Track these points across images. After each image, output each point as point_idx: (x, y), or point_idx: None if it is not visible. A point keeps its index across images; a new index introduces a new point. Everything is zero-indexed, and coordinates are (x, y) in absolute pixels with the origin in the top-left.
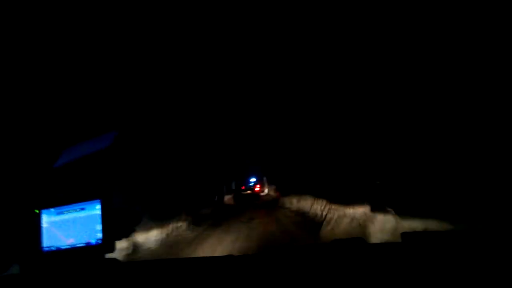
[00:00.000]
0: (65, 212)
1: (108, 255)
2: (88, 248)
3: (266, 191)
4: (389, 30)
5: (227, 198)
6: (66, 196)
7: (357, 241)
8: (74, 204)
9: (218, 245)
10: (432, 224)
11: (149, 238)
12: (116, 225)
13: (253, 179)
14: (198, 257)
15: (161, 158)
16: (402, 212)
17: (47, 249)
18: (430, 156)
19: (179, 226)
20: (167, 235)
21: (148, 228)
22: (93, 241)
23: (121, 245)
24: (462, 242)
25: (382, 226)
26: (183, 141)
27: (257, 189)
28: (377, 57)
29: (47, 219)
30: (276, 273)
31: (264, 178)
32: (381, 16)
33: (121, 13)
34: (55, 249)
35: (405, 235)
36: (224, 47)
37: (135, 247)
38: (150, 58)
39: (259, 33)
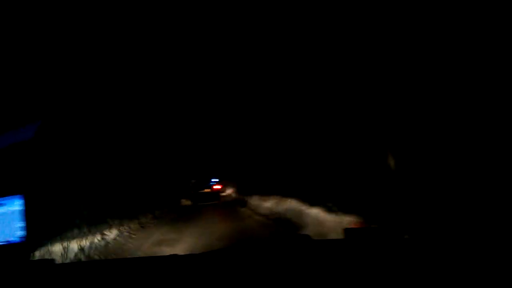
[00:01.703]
0: None
1: (40, 256)
2: (9, 246)
3: (227, 191)
4: (376, 30)
5: (185, 199)
6: None
7: (302, 237)
8: None
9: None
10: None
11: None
12: (42, 223)
13: (213, 180)
14: (140, 257)
15: (98, 152)
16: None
17: None
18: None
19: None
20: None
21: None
22: (13, 239)
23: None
24: (399, 237)
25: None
26: (127, 136)
27: (217, 187)
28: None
29: None
30: (219, 271)
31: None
32: (379, 16)
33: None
34: None
35: (347, 231)
36: (175, 44)
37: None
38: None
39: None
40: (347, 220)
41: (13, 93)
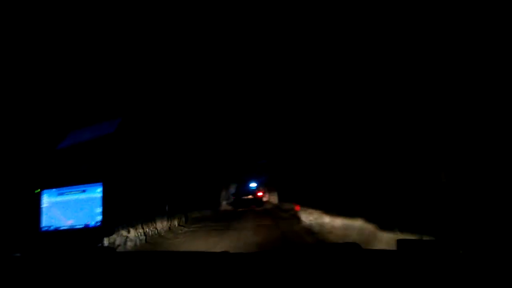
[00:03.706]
0: (66, 193)
1: (106, 243)
2: (86, 230)
3: (267, 196)
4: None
5: (225, 203)
6: (68, 178)
7: (351, 246)
8: (76, 186)
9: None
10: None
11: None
12: (116, 211)
13: (254, 184)
14: (193, 252)
15: (161, 154)
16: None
17: (45, 228)
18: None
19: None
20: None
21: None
22: (92, 224)
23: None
24: (454, 251)
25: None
26: (185, 140)
27: (259, 194)
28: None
29: (48, 199)
30: (268, 273)
31: (263, 184)
32: (381, 16)
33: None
34: (54, 229)
35: (400, 242)
36: (227, 51)
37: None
38: (157, 54)
39: (254, 36)
40: None
41: (99, 92)
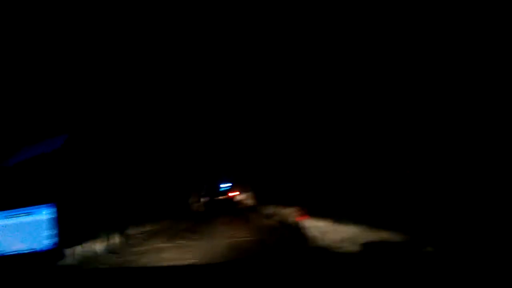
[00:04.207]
0: (11, 216)
1: (63, 263)
2: (36, 254)
3: (242, 197)
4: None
5: (196, 204)
6: (13, 200)
7: (319, 250)
8: (21, 208)
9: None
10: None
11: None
12: (67, 232)
13: (227, 184)
14: (162, 266)
15: (117, 161)
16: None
17: None
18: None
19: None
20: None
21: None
22: (39, 247)
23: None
24: (418, 253)
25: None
26: (145, 143)
27: (233, 194)
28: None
29: None
30: (238, 281)
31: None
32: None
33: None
34: (0, 254)
35: (365, 245)
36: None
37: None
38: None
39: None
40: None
41: (42, 105)
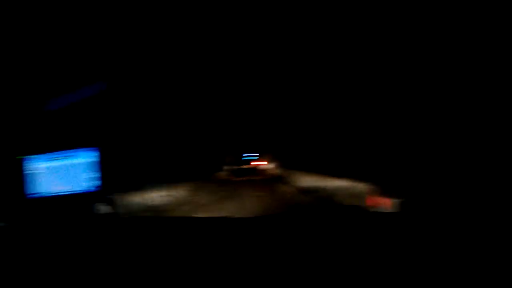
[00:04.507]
0: (54, 158)
1: (106, 210)
2: (76, 196)
3: (268, 167)
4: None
5: (223, 172)
6: (56, 143)
7: (355, 208)
8: (63, 152)
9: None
10: None
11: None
12: (109, 177)
13: (253, 155)
14: (194, 217)
15: (155, 120)
16: None
17: (32, 196)
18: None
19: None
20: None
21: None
22: (80, 189)
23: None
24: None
25: None
26: (179, 108)
27: (260, 163)
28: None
29: (35, 165)
30: (271, 235)
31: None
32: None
33: None
34: (41, 196)
35: (403, 203)
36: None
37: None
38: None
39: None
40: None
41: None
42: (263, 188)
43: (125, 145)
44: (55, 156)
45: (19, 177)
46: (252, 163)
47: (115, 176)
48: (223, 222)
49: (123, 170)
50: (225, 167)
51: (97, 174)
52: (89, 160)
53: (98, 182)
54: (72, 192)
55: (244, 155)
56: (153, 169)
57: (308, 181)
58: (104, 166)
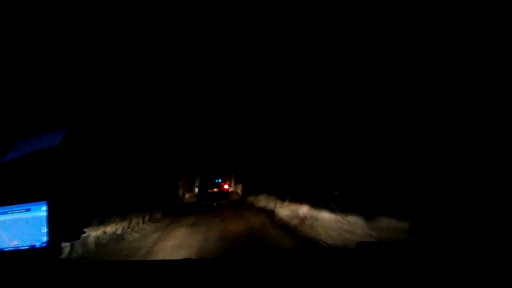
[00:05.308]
0: (9, 212)
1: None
2: (33, 251)
3: (232, 189)
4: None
5: (188, 195)
6: (11, 196)
7: (314, 246)
8: (19, 205)
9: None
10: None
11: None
12: (63, 228)
13: (218, 180)
14: (157, 260)
15: (112, 157)
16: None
17: None
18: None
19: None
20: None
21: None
22: (37, 244)
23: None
24: (415, 253)
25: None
26: (138, 140)
27: (225, 186)
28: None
29: None
30: (232, 278)
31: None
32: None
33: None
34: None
35: (360, 244)
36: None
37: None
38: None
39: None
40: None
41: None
42: (226, 211)
43: (84, 190)
44: (11, 209)
45: None
46: (219, 187)
47: (72, 222)
48: (184, 264)
49: (82, 214)
50: (189, 194)
51: (51, 227)
52: (43, 213)
53: (52, 234)
54: (29, 247)
55: (211, 179)
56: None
57: (263, 201)
58: (60, 215)
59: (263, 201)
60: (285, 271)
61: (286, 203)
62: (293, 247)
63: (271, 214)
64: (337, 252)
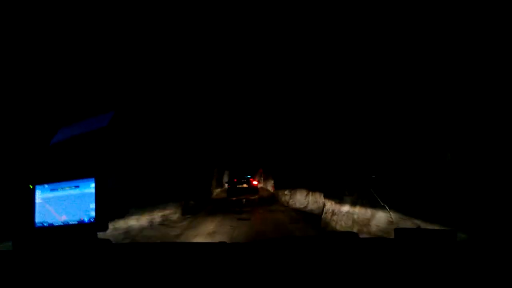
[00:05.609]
0: (59, 188)
1: (101, 235)
2: (80, 226)
3: (262, 185)
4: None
5: (217, 191)
6: (61, 173)
7: (349, 235)
8: (69, 181)
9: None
10: (423, 225)
11: (140, 222)
12: (109, 205)
13: (247, 176)
14: (191, 243)
15: (155, 144)
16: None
17: (39, 225)
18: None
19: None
20: (156, 221)
21: (139, 213)
22: (86, 219)
23: (115, 226)
24: (452, 242)
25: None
26: (178, 129)
27: (254, 182)
28: (371, 55)
29: (41, 195)
30: (267, 263)
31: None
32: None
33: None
34: (48, 225)
35: (398, 231)
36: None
37: (127, 229)
38: (153, 51)
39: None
40: None
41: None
42: (256, 208)
43: (121, 172)
44: (61, 186)
45: (28, 206)
46: (249, 183)
47: (110, 203)
48: (219, 248)
49: (119, 195)
50: (219, 189)
51: (96, 204)
52: (91, 190)
53: (97, 212)
54: (77, 222)
55: (238, 175)
56: (147, 191)
57: (301, 200)
58: (101, 195)
59: (301, 200)
60: (324, 256)
61: (347, 206)
62: (327, 233)
63: (316, 220)
64: (375, 240)
